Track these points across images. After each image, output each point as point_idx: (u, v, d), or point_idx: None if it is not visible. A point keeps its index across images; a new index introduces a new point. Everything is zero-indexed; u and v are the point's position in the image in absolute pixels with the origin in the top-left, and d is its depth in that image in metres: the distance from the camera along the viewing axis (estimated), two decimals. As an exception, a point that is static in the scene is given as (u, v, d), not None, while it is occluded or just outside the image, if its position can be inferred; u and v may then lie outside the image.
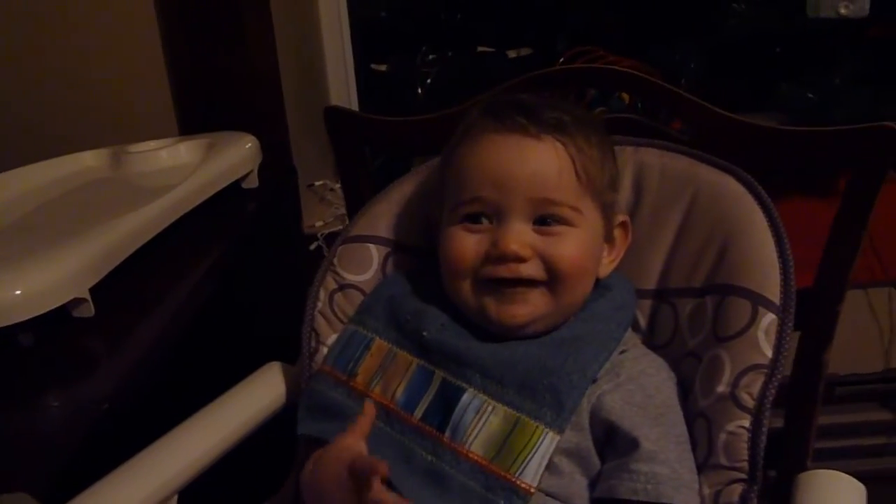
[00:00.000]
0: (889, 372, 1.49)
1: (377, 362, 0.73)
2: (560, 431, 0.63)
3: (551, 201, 0.67)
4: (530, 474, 0.62)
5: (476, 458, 0.64)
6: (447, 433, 0.66)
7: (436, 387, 0.69)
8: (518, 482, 0.62)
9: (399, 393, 0.70)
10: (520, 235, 0.67)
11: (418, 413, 0.68)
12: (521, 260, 0.66)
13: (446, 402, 0.67)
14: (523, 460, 0.63)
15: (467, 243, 0.68)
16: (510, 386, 0.66)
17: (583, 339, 0.68)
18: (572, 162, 0.67)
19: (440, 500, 0.63)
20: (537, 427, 0.63)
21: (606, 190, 0.71)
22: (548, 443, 0.63)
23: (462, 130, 0.72)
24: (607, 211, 0.72)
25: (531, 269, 0.67)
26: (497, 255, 0.66)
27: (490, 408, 0.65)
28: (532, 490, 0.62)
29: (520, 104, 0.69)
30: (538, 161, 0.67)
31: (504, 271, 0.67)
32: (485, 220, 0.68)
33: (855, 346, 1.45)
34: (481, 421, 0.65)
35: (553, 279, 0.67)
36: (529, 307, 0.68)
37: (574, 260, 0.68)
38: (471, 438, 0.65)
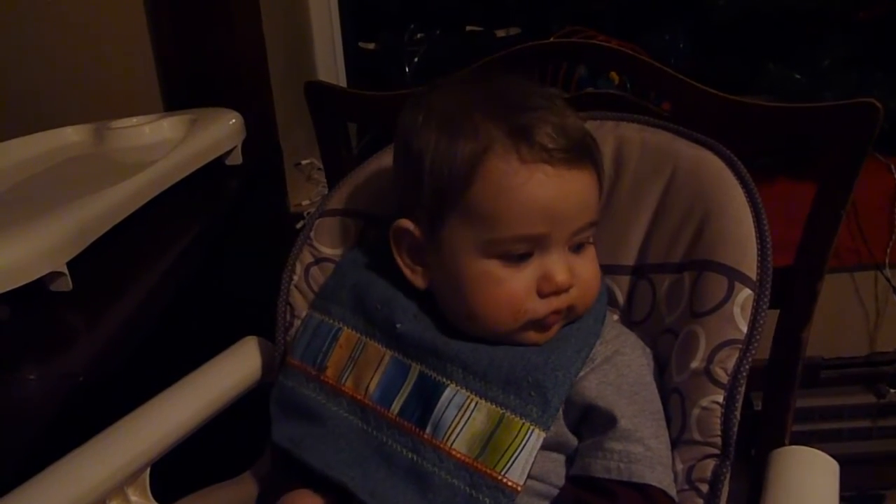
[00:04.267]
0: (874, 355, 1.49)
1: (346, 354, 0.71)
2: (546, 429, 0.62)
3: (590, 224, 0.66)
4: (517, 472, 0.61)
5: (460, 455, 0.62)
6: (428, 430, 0.64)
7: (412, 380, 0.67)
8: (505, 480, 0.61)
9: (373, 387, 0.68)
10: (565, 264, 0.65)
11: (395, 408, 0.67)
12: (568, 289, 0.65)
13: (425, 397, 0.65)
14: (510, 458, 0.61)
15: (517, 286, 0.64)
16: (494, 382, 0.64)
17: (564, 337, 0.67)
18: (600, 182, 0.67)
19: (423, 500, 0.62)
20: (523, 424, 0.62)
21: None
22: (534, 440, 0.62)
23: (481, 150, 0.63)
24: None
25: (572, 297, 0.66)
26: (551, 291, 0.64)
27: (473, 404, 0.64)
28: (519, 488, 0.61)
29: (545, 120, 0.63)
30: (584, 191, 0.64)
31: (556, 304, 0.65)
32: (526, 255, 0.65)
33: (840, 330, 1.46)
34: (464, 418, 0.63)
35: (582, 302, 0.67)
36: (559, 326, 0.67)
37: (598, 278, 0.68)
38: (454, 436, 0.63)
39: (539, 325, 0.65)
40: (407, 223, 0.68)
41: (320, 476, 0.66)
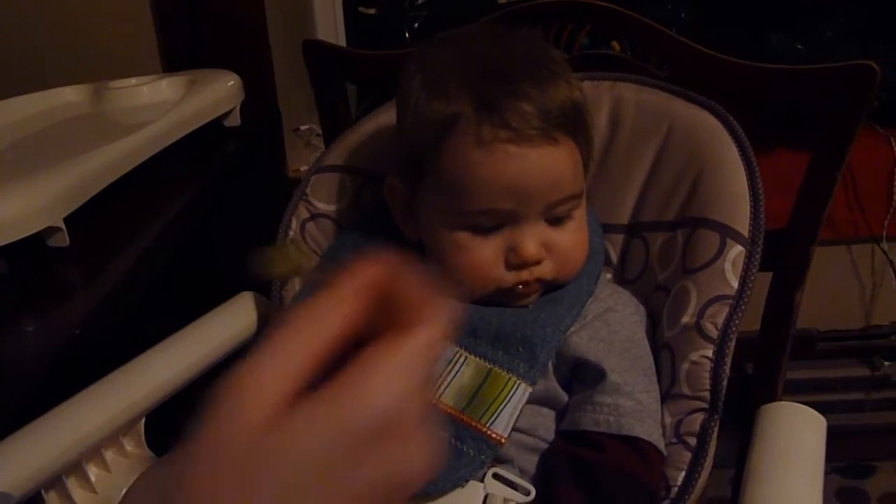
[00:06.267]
0: (869, 328, 1.49)
1: None
2: (532, 383, 0.63)
3: (568, 198, 0.65)
4: (501, 425, 0.62)
5: (446, 408, 0.63)
6: None
7: None
8: (489, 432, 0.62)
9: None
10: (537, 238, 0.65)
11: None
12: (539, 262, 0.65)
13: None
14: (495, 411, 0.62)
15: (484, 255, 0.65)
16: (483, 338, 0.65)
17: (557, 296, 0.67)
18: (582, 154, 0.66)
19: None
20: (510, 378, 0.63)
21: None
22: (520, 394, 0.63)
23: (449, 120, 0.62)
24: None
25: (545, 270, 0.66)
26: (519, 263, 0.65)
27: (462, 359, 0.65)
28: (503, 440, 0.62)
29: (521, 93, 0.61)
30: (557, 167, 0.63)
31: (526, 276, 0.65)
32: (496, 227, 0.65)
33: (836, 303, 1.46)
34: (453, 372, 0.65)
35: (560, 273, 0.67)
36: (536, 294, 0.67)
37: (582, 250, 0.68)
38: (441, 389, 0.64)
39: (509, 293, 0.66)
40: (395, 180, 0.70)
41: None
